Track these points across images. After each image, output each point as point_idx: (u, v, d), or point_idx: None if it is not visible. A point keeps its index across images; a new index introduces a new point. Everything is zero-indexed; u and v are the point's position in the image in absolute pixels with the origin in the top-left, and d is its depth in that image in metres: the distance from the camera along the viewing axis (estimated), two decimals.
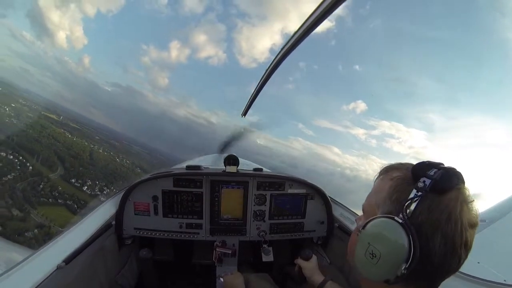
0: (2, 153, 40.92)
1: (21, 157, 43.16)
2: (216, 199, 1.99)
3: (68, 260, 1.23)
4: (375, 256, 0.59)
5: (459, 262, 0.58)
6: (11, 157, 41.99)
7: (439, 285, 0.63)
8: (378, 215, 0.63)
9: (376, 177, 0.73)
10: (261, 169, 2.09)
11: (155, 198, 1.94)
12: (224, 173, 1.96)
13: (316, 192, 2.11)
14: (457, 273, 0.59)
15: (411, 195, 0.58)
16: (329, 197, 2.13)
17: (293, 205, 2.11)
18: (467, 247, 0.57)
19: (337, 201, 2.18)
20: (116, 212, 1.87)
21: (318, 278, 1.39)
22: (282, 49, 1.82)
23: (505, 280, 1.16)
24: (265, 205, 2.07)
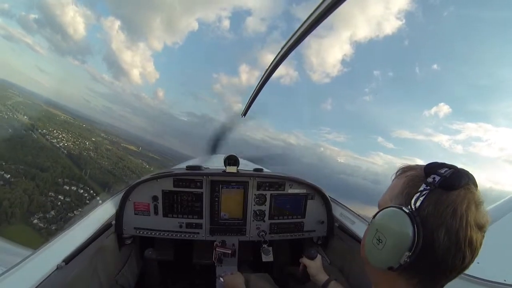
0: (72, 187, 39.07)
1: (91, 191, 41.03)
2: (216, 199, 1.99)
3: (68, 260, 1.24)
4: (381, 242, 0.63)
5: (464, 261, 0.58)
6: (81, 191, 40.00)
7: (443, 286, 0.64)
8: (389, 205, 0.66)
9: (393, 177, 0.76)
10: (261, 169, 2.09)
11: (155, 198, 1.94)
12: (224, 173, 1.96)
13: (316, 192, 2.11)
14: None
15: (420, 189, 0.62)
16: (329, 197, 2.13)
17: (293, 205, 2.11)
18: (472, 246, 0.58)
19: (337, 201, 2.18)
20: (116, 212, 1.87)
21: (322, 277, 1.40)
22: (282, 49, 1.82)
23: (505, 280, 1.16)
24: (265, 205, 2.07)
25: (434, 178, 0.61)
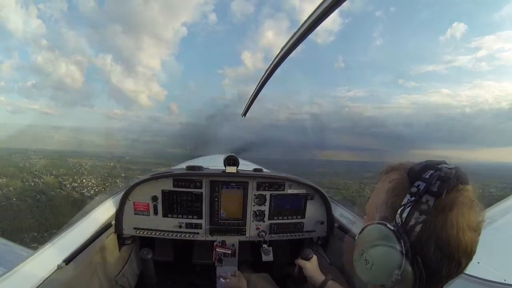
0: None
1: None
2: (216, 199, 1.99)
3: (68, 260, 1.24)
4: (369, 262, 0.59)
5: (459, 266, 0.56)
6: None
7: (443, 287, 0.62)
8: (373, 222, 0.62)
9: (379, 178, 0.72)
10: (261, 170, 2.09)
11: (154, 198, 1.94)
12: (224, 173, 1.96)
13: (315, 192, 2.11)
14: None
15: (405, 201, 0.57)
16: (329, 197, 2.13)
17: (293, 205, 2.11)
18: (466, 251, 0.55)
19: (336, 201, 2.18)
20: (116, 212, 1.87)
21: (319, 278, 1.39)
22: (281, 50, 1.82)
23: (505, 280, 1.16)
24: (265, 205, 2.07)
25: (418, 186, 0.56)
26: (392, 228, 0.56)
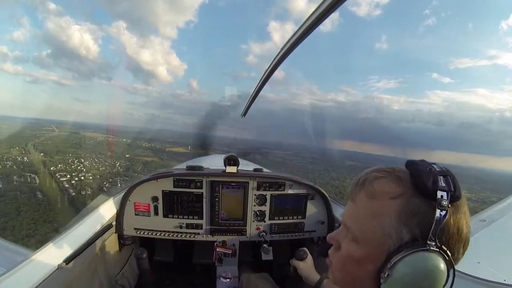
0: None
1: None
2: (216, 199, 1.99)
3: (69, 260, 1.24)
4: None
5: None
6: None
7: None
8: (407, 251, 0.51)
9: (355, 191, 0.63)
10: (261, 169, 2.10)
11: (155, 198, 1.94)
12: (224, 173, 1.96)
13: (316, 192, 2.11)
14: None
15: (437, 215, 0.50)
16: (329, 197, 2.13)
17: (294, 205, 2.11)
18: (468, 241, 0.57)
19: (337, 201, 2.18)
20: (116, 212, 1.87)
21: (314, 277, 1.37)
22: (282, 49, 1.83)
23: (505, 280, 1.16)
24: (265, 206, 2.07)
25: (442, 196, 0.50)
26: (437, 249, 0.51)
